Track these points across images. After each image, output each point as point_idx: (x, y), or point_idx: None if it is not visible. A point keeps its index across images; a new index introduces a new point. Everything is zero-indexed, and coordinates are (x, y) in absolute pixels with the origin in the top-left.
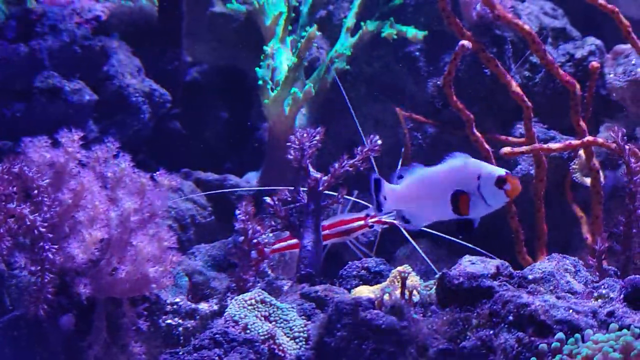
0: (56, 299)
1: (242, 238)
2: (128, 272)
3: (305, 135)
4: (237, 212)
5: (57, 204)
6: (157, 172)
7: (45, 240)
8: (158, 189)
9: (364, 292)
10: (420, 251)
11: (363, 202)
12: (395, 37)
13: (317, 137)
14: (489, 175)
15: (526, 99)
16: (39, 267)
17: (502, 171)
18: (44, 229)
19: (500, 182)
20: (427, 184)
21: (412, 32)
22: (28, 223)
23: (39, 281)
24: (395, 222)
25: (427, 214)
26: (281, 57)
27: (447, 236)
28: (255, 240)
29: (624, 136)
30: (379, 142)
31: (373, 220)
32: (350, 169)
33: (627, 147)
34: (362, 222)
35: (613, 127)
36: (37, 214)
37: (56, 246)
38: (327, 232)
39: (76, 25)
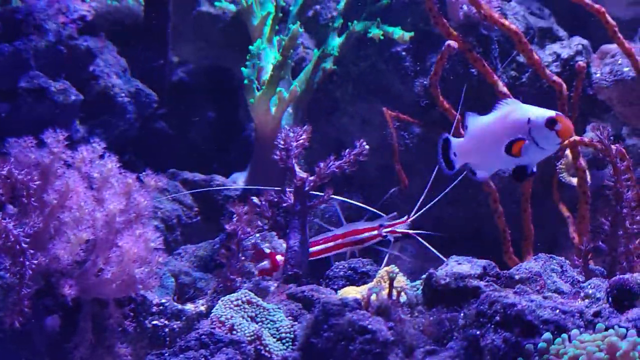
0: (41, 301)
1: (231, 238)
2: (114, 273)
3: (291, 134)
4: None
5: (43, 205)
6: (144, 173)
7: (26, 256)
8: (144, 190)
9: (351, 292)
10: (438, 255)
11: (352, 201)
12: (382, 37)
13: (304, 136)
14: (538, 118)
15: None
16: (18, 278)
17: (551, 112)
18: (26, 245)
19: (551, 123)
20: (485, 134)
21: (398, 33)
22: (11, 239)
23: (16, 295)
24: (409, 231)
25: (490, 163)
26: (268, 57)
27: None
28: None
29: (610, 136)
30: (367, 146)
31: (387, 230)
32: (337, 170)
33: (613, 147)
34: (375, 232)
35: (599, 126)
36: (20, 229)
37: (39, 255)
38: (340, 241)
39: (62, 25)
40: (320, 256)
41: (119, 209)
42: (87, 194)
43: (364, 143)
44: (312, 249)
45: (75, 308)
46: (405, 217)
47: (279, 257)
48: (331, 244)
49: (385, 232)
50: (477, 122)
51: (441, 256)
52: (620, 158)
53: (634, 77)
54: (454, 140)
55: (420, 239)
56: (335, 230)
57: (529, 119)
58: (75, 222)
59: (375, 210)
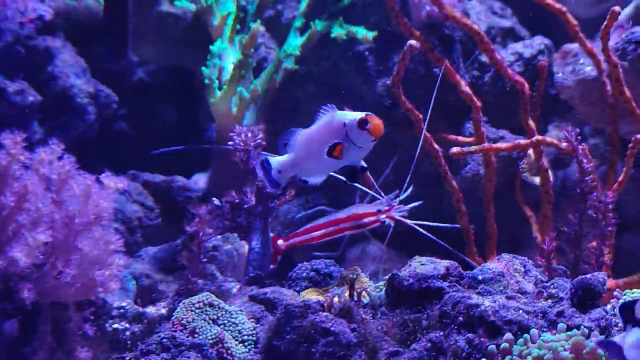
0: None
1: (192, 240)
2: (73, 276)
3: (249, 134)
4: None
5: (0, 207)
6: (103, 174)
7: None
8: (104, 191)
9: (314, 294)
10: (435, 239)
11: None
12: (345, 37)
13: (260, 135)
14: (351, 121)
15: (475, 99)
16: None
17: (362, 114)
18: None
19: (362, 123)
20: (308, 144)
21: (362, 32)
22: None
23: None
24: (407, 222)
25: (319, 169)
26: (228, 57)
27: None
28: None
29: (577, 136)
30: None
31: (384, 215)
32: None
33: (580, 147)
34: (373, 218)
35: (563, 126)
36: None
37: None
38: (342, 225)
39: (20, 25)
40: (323, 240)
41: (78, 211)
42: (46, 196)
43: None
44: (315, 233)
45: (34, 312)
46: (397, 202)
47: (280, 242)
48: (332, 228)
49: (384, 218)
50: (299, 135)
51: (438, 241)
52: (585, 158)
53: (595, 76)
54: (274, 160)
55: (419, 228)
56: (337, 213)
57: (344, 122)
58: (34, 225)
59: (374, 193)
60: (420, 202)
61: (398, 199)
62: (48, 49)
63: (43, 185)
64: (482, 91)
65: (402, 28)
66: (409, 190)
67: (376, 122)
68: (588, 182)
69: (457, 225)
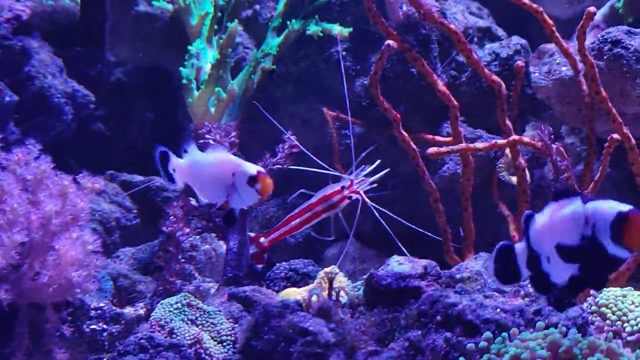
0: None
1: (169, 240)
2: (51, 277)
3: (224, 134)
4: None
5: None
6: (80, 174)
7: None
8: (81, 192)
9: (292, 294)
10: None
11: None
12: (320, 34)
13: (233, 134)
14: (242, 173)
15: (452, 99)
16: None
17: (255, 170)
18: None
19: (252, 180)
20: (201, 170)
21: (337, 29)
22: None
23: None
24: (367, 200)
25: (204, 194)
26: (206, 57)
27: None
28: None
29: (551, 135)
30: (293, 137)
31: (349, 191)
32: (274, 167)
33: (554, 146)
34: (340, 195)
35: (539, 125)
36: None
37: None
38: (315, 209)
39: None
40: (304, 228)
41: (55, 211)
42: (22, 196)
43: (292, 136)
44: (293, 223)
45: (11, 313)
46: (353, 176)
47: (262, 239)
48: (308, 214)
49: (349, 194)
50: (198, 156)
51: (396, 217)
52: (560, 157)
53: (571, 76)
54: (174, 158)
55: (376, 212)
56: (308, 201)
57: (234, 172)
58: (10, 225)
59: (334, 172)
60: (387, 169)
61: (362, 173)
62: (25, 49)
63: (19, 186)
64: (459, 91)
65: (379, 28)
66: (375, 165)
67: (267, 182)
68: (562, 180)
69: (415, 227)
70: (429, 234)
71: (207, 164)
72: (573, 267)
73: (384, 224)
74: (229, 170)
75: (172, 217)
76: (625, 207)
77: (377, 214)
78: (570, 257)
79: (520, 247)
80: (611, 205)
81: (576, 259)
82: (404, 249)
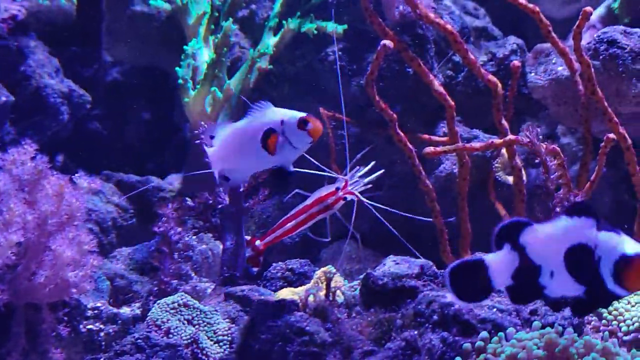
0: None
1: (163, 240)
2: (47, 277)
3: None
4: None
5: None
6: (76, 174)
7: None
8: (77, 191)
9: (289, 294)
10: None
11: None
12: (315, 32)
13: None
14: (291, 118)
15: (449, 98)
16: None
17: (303, 114)
18: None
19: (302, 123)
20: (238, 136)
21: (332, 26)
22: None
23: None
24: (364, 199)
25: (244, 166)
26: (203, 57)
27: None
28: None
29: (538, 135)
30: None
31: (343, 193)
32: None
33: (544, 145)
34: (335, 197)
35: (527, 126)
36: None
37: None
38: (311, 210)
39: None
40: (300, 229)
41: (51, 211)
42: (18, 196)
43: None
44: (288, 225)
45: (7, 313)
46: (348, 177)
47: (257, 242)
48: (303, 215)
49: (344, 195)
50: (227, 128)
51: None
52: (553, 156)
53: (567, 76)
54: (207, 149)
55: (373, 209)
56: (303, 203)
57: (282, 120)
58: (6, 225)
59: (330, 173)
60: (381, 170)
61: (357, 174)
62: (21, 49)
63: (16, 186)
64: (455, 91)
65: (376, 27)
66: (369, 166)
67: (317, 123)
68: (553, 180)
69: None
70: (426, 219)
71: (249, 124)
72: (579, 287)
73: (383, 220)
74: (277, 120)
75: (163, 218)
76: (631, 249)
77: (375, 212)
78: (581, 277)
79: (496, 257)
80: (621, 242)
81: (585, 280)
82: (407, 244)
